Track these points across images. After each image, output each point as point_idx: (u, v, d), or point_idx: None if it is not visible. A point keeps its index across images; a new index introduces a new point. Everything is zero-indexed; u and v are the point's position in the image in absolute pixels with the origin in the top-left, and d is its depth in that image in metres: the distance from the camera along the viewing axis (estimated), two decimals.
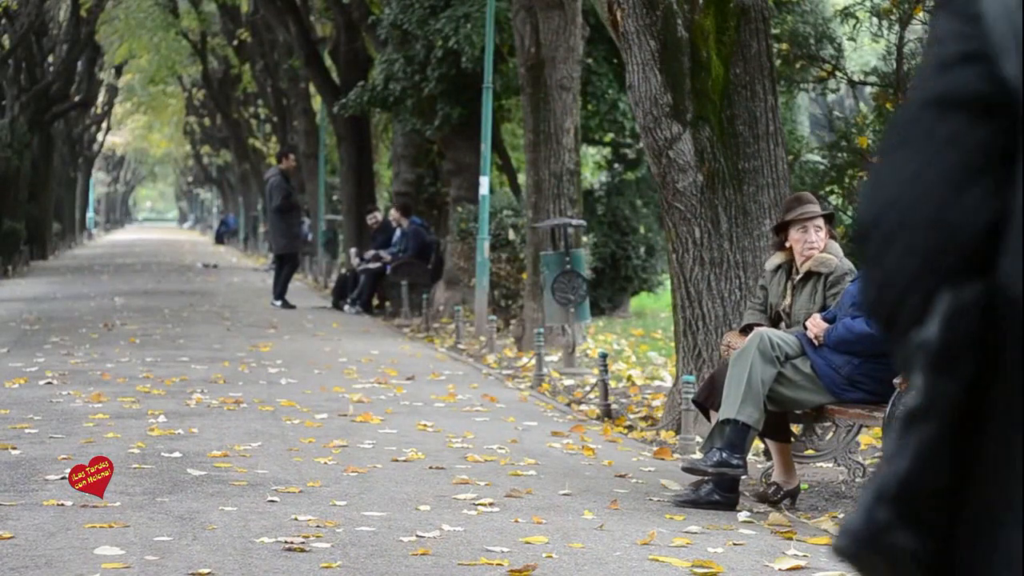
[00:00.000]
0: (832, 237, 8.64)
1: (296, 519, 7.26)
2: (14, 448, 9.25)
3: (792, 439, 8.51)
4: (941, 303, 1.59)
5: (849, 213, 13.08)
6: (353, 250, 25.51)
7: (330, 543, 6.74)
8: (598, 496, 8.17)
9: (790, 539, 7.16)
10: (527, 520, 7.40)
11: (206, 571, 6.14)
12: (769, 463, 8.97)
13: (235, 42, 42.45)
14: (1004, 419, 1.55)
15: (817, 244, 8.51)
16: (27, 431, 10.02)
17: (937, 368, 1.59)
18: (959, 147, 1.59)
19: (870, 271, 1.66)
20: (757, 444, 8.91)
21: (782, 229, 8.66)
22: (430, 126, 22.26)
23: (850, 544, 1.63)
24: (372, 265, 23.26)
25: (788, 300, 8.58)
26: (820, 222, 8.55)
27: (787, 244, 8.61)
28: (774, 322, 8.62)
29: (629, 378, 14.53)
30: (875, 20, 12.85)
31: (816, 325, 8.03)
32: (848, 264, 8.55)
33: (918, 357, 1.60)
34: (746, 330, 8.58)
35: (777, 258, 8.74)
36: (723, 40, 10.41)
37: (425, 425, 10.67)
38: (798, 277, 8.56)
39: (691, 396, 9.18)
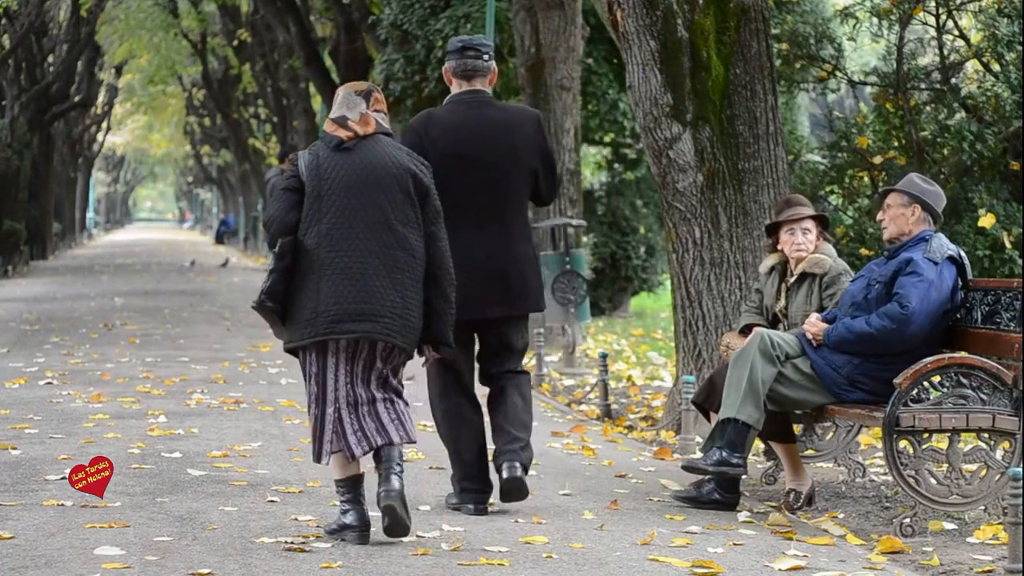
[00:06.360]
0: (824, 238, 8.62)
1: (296, 519, 7.26)
2: (14, 448, 9.25)
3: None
4: (282, 241, 6.88)
5: (849, 213, 13.08)
6: None
7: (330, 543, 6.74)
8: (598, 496, 8.17)
9: (790, 539, 7.16)
10: (527, 520, 7.41)
11: (206, 571, 6.14)
12: (770, 463, 8.97)
13: (235, 42, 42.42)
14: (302, 270, 6.94)
15: (805, 246, 8.49)
16: (27, 431, 10.02)
17: (278, 259, 6.88)
18: (290, 201, 6.96)
19: (268, 230, 7.03)
20: (757, 444, 8.90)
21: (773, 231, 8.67)
22: None
23: (255, 303, 7.01)
24: None
25: (783, 302, 8.57)
26: (809, 224, 8.52)
27: (778, 246, 8.62)
28: (771, 324, 8.61)
29: (629, 378, 14.53)
30: (875, 20, 12.84)
31: (814, 325, 8.02)
32: (842, 264, 8.53)
33: (275, 256, 6.96)
34: (745, 331, 8.57)
35: (770, 260, 8.73)
36: (723, 40, 10.41)
37: (425, 425, 10.65)
38: (792, 279, 8.55)
39: (691, 396, 9.18)
